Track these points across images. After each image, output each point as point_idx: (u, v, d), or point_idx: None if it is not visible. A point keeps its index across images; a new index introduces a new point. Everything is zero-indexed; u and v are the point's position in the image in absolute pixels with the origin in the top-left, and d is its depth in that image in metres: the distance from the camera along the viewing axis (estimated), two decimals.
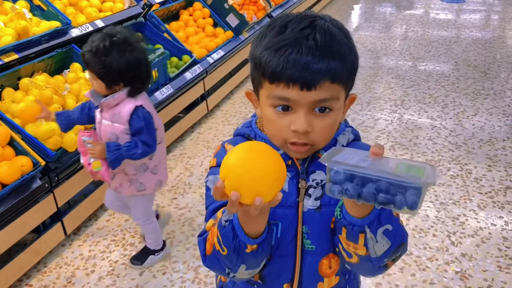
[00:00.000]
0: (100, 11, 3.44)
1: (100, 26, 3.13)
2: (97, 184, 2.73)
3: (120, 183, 2.10)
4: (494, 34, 5.96)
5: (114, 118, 1.95)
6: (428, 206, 2.72)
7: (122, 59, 1.85)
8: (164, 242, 2.39)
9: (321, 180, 0.97)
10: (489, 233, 2.50)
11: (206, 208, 1.03)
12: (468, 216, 2.63)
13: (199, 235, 1.00)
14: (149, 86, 2.03)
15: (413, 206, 0.72)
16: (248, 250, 0.88)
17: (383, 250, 0.88)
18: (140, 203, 2.20)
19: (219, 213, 0.96)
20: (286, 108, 0.89)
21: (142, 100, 1.97)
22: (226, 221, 0.88)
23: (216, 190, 0.79)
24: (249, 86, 4.60)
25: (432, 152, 3.30)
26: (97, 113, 2.02)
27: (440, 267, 2.28)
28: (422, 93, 4.28)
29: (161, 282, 2.26)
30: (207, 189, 1.02)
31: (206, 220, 1.00)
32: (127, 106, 1.93)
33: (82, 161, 2.03)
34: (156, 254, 2.35)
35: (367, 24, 6.65)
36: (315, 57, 0.85)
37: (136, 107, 1.92)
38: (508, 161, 3.15)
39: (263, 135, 1.01)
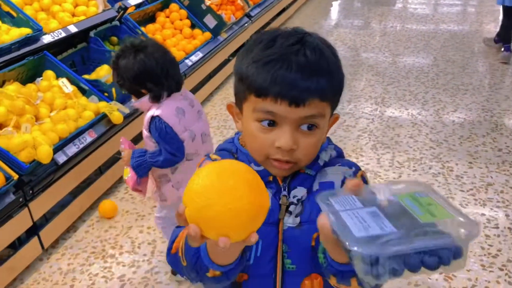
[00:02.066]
0: (73, 15, 3.35)
1: (73, 31, 3.05)
2: (75, 195, 2.66)
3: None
4: (472, 28, 6.00)
5: (144, 125, 1.95)
6: None
7: (128, 66, 1.83)
8: None
9: (302, 197, 0.94)
10: None
11: None
12: None
13: (177, 226, 0.96)
14: (177, 85, 1.93)
15: (459, 254, 0.61)
16: (209, 275, 0.83)
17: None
18: (167, 217, 2.16)
19: None
20: (271, 124, 0.86)
21: (164, 108, 1.87)
22: None
23: (178, 216, 0.71)
24: (229, 87, 4.56)
25: (413, 150, 3.30)
26: None
27: None
28: (402, 90, 4.28)
29: None
30: None
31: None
32: (148, 114, 1.89)
33: None
34: None
35: (346, 20, 6.65)
36: (305, 74, 0.82)
37: (153, 117, 1.87)
38: (488, 157, 3.17)
39: (246, 151, 0.98)
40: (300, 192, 0.94)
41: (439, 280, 2.20)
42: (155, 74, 1.84)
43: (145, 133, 1.95)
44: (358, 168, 1.00)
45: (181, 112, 1.90)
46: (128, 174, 1.97)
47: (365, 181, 1.00)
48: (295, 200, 0.94)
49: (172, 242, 0.93)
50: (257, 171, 0.77)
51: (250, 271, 0.95)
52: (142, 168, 1.91)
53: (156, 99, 1.88)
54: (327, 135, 0.98)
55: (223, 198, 0.62)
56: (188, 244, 0.76)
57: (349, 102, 4.09)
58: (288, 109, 0.83)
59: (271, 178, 0.94)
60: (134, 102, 1.96)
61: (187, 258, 0.85)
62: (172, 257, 0.93)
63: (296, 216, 0.94)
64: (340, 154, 1.02)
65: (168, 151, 1.86)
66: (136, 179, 1.95)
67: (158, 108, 1.87)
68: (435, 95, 4.16)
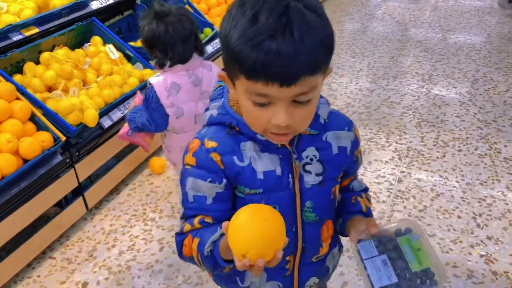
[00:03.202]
0: None
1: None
2: (119, 158, 2.74)
3: None
4: None
5: None
6: (454, 187, 2.64)
7: (142, 30, 1.90)
8: None
9: (314, 155, 1.02)
10: None
11: (182, 205, 1.04)
12: (495, 198, 2.55)
13: (178, 234, 1.05)
14: (182, 58, 1.91)
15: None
16: (226, 270, 0.96)
17: None
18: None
19: (196, 222, 1.01)
20: (265, 104, 0.86)
21: (163, 78, 1.92)
22: (208, 251, 0.95)
23: (242, 266, 0.83)
24: None
25: (459, 130, 3.19)
26: None
27: (464, 250, 2.22)
28: (451, 68, 4.12)
29: None
30: (183, 186, 1.02)
31: (183, 218, 1.05)
32: (149, 80, 1.97)
33: None
34: None
35: None
36: (294, 53, 0.79)
37: (149, 83, 1.96)
38: None
39: (243, 121, 0.97)
40: (311, 151, 1.02)
41: (479, 263, 2.15)
42: (161, 44, 1.87)
43: None
44: (352, 125, 1.09)
45: (175, 87, 1.93)
46: (126, 124, 2.14)
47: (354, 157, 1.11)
48: (308, 160, 1.01)
49: (180, 250, 1.06)
50: (262, 140, 0.96)
51: None
52: (132, 123, 2.02)
53: (160, 66, 1.93)
54: None
55: (270, 234, 0.84)
56: (209, 247, 0.94)
57: (394, 78, 3.97)
58: (280, 89, 0.81)
59: (279, 145, 0.98)
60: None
61: (206, 266, 0.99)
62: (186, 258, 1.05)
63: (317, 175, 1.02)
64: (328, 103, 1.07)
65: (145, 117, 1.96)
66: (128, 130, 2.09)
67: (160, 75, 1.95)
68: (486, 73, 3.97)
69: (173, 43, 1.86)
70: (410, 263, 0.94)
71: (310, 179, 1.02)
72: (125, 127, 2.12)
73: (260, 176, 0.98)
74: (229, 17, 0.84)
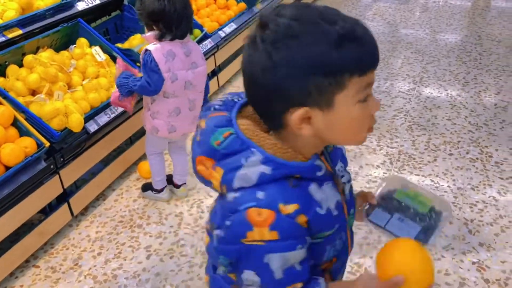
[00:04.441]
0: None
1: None
2: (105, 163, 2.69)
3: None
4: None
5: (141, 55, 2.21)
6: (445, 191, 2.62)
7: (151, 2, 2.08)
8: (163, 189, 2.60)
9: (341, 166, 1.02)
10: (509, 222, 2.39)
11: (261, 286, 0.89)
12: (487, 203, 2.53)
13: None
14: (182, 35, 2.18)
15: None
16: None
17: None
18: (147, 137, 2.49)
19: None
20: (366, 98, 0.85)
21: (158, 47, 2.12)
22: None
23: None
24: None
25: (450, 133, 3.17)
26: None
27: (456, 257, 2.20)
28: (442, 70, 4.10)
29: (168, 266, 2.23)
30: (260, 267, 0.85)
31: None
32: (145, 47, 2.15)
33: None
34: (153, 192, 2.63)
35: None
36: (372, 37, 0.83)
37: (146, 50, 2.13)
38: None
39: (283, 161, 0.84)
40: (339, 165, 1.01)
41: (471, 271, 2.12)
42: (169, 18, 2.09)
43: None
44: None
45: (171, 54, 2.15)
46: (114, 89, 2.27)
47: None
48: (341, 174, 1.00)
49: None
50: (304, 167, 0.86)
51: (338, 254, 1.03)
52: (123, 88, 2.19)
53: (160, 38, 2.14)
54: None
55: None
56: None
57: (385, 80, 3.95)
58: (374, 73, 0.84)
59: (321, 172, 0.89)
60: (143, 34, 2.24)
61: None
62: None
63: (348, 182, 1.03)
64: None
65: (145, 79, 2.13)
66: (118, 95, 2.23)
67: (154, 44, 2.13)
68: (477, 76, 3.97)
69: (179, 20, 2.11)
70: (417, 209, 1.04)
71: (347, 189, 1.02)
72: (115, 92, 2.25)
73: (335, 212, 0.92)
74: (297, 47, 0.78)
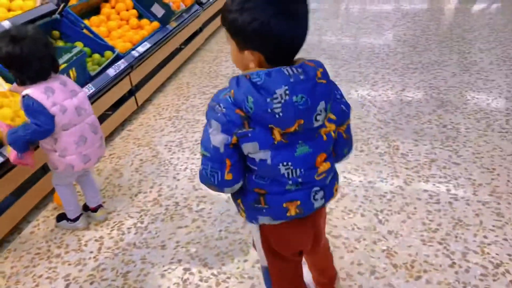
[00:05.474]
0: (9, 10, 3.24)
1: (7, 27, 2.94)
2: (18, 195, 2.60)
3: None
4: (423, 7, 6.09)
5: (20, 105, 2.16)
6: (357, 186, 2.76)
7: (1, 52, 2.02)
8: (78, 217, 2.56)
9: None
10: (414, 208, 2.56)
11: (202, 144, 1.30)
12: (395, 193, 2.69)
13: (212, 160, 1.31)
14: (42, 75, 2.13)
15: None
16: None
17: None
18: (55, 175, 2.43)
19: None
20: None
21: (33, 88, 2.08)
22: None
23: None
24: (182, 77, 4.51)
25: (361, 131, 3.35)
26: None
27: (367, 247, 2.32)
28: (352, 72, 4.33)
29: None
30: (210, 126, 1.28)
31: (206, 150, 1.30)
32: (22, 93, 2.10)
33: None
34: (68, 222, 2.58)
35: None
36: None
37: (23, 96, 2.08)
38: (433, 134, 3.25)
39: None
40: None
41: (381, 258, 2.25)
42: (17, 64, 2.04)
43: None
44: None
45: (50, 90, 2.11)
46: (10, 150, 2.19)
47: None
48: None
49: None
50: None
51: None
52: (18, 143, 2.12)
53: (22, 83, 2.11)
54: None
55: None
56: None
57: None
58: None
59: None
60: (10, 88, 2.24)
61: None
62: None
63: None
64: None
65: (34, 123, 2.08)
66: (17, 153, 2.17)
67: (28, 88, 2.09)
68: (385, 75, 4.22)
69: (29, 62, 2.04)
70: None
71: None
72: (12, 151, 2.18)
73: None
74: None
